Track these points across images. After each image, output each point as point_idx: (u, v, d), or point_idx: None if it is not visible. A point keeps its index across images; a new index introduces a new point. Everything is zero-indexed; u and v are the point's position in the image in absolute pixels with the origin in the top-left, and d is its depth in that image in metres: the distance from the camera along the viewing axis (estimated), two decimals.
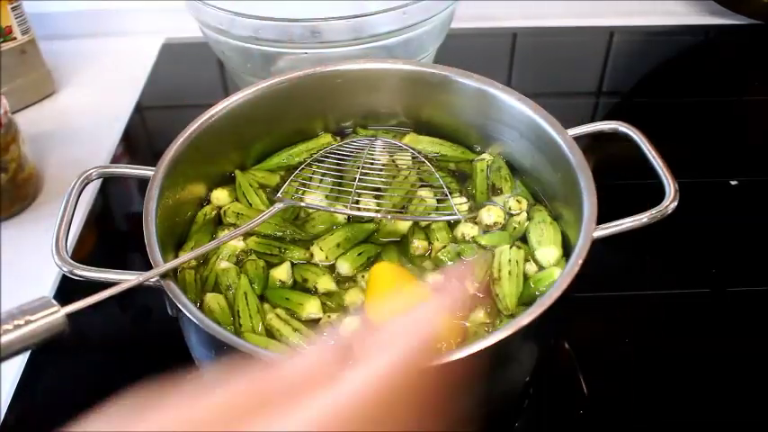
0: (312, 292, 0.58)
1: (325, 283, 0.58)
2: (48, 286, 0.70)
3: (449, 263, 0.59)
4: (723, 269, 0.72)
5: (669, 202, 0.53)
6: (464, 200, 0.63)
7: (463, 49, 1.05)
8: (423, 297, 0.54)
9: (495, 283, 0.57)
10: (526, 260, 0.58)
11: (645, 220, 0.52)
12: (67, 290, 0.68)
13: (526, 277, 0.58)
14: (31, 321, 0.41)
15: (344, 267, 0.59)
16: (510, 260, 0.57)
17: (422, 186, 0.65)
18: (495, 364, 0.49)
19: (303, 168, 0.64)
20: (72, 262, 0.50)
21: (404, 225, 0.62)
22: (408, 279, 0.57)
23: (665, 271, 0.72)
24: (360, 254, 0.60)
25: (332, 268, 0.59)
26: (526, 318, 0.45)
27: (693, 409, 0.60)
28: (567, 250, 0.59)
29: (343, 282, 0.59)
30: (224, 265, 0.59)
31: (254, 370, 0.32)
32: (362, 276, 0.58)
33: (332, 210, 0.61)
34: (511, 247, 0.58)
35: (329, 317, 0.55)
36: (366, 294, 0.57)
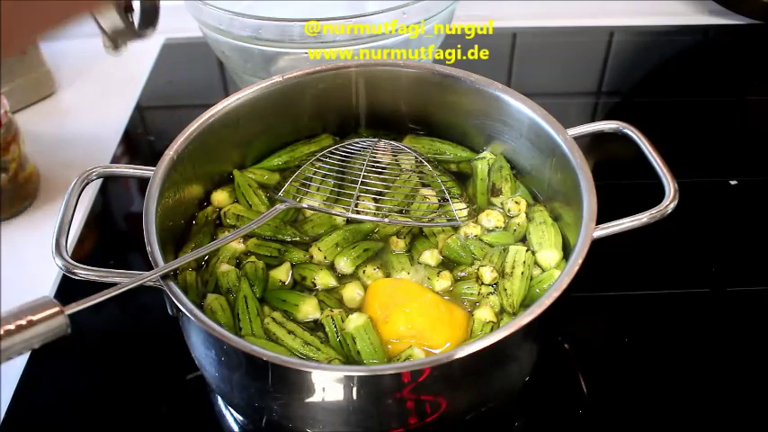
0: (312, 288, 0.58)
1: (324, 278, 0.58)
2: (48, 286, 0.70)
3: (460, 253, 0.59)
4: (723, 269, 0.72)
5: (669, 202, 0.53)
6: (463, 206, 0.63)
7: (463, 49, 1.05)
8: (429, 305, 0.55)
9: (506, 278, 0.57)
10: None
11: (645, 219, 0.52)
12: (68, 290, 0.68)
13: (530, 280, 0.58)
14: (33, 321, 0.41)
15: (344, 262, 0.59)
16: (524, 261, 0.58)
17: (423, 187, 0.65)
18: (495, 364, 0.49)
19: (304, 168, 0.64)
20: (72, 262, 0.50)
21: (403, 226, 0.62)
22: (411, 290, 0.57)
23: (665, 271, 0.72)
24: (360, 249, 0.60)
25: (331, 266, 0.60)
26: (526, 317, 0.46)
27: (693, 409, 0.60)
28: (566, 250, 0.59)
29: (343, 277, 0.59)
30: (224, 267, 0.58)
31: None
32: (363, 271, 0.59)
33: (333, 213, 0.61)
34: (527, 251, 0.58)
35: (331, 310, 0.55)
36: (366, 308, 0.57)
